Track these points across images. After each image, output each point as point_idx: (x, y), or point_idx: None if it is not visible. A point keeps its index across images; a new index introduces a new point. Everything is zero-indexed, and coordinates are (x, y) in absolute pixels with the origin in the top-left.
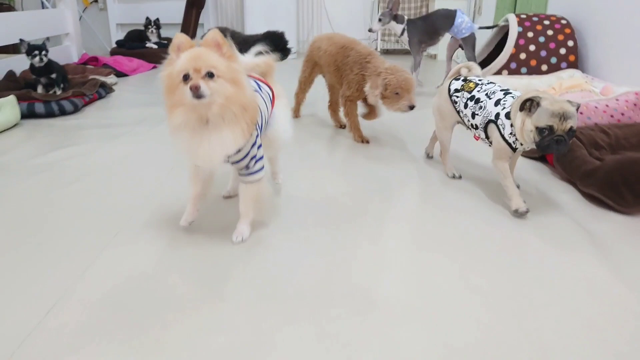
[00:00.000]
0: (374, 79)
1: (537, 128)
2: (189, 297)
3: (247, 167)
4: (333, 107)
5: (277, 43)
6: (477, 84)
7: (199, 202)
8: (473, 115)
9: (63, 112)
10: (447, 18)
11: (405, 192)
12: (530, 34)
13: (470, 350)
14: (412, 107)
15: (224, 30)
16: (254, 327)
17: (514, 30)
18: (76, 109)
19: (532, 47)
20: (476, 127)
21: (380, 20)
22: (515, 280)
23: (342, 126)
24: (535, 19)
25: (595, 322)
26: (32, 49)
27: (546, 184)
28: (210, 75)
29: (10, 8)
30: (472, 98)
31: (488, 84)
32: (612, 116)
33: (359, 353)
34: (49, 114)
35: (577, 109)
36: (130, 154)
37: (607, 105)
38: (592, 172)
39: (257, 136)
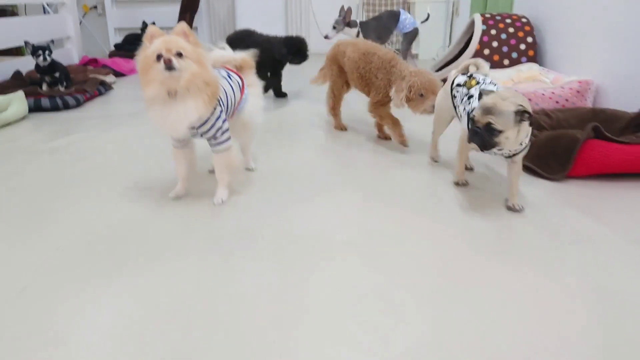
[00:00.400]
0: (399, 82)
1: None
2: (168, 246)
3: (214, 137)
4: (335, 109)
5: (297, 47)
6: (478, 82)
7: (186, 181)
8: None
9: (67, 106)
10: (393, 17)
11: (369, 168)
12: (493, 32)
13: (401, 270)
14: None
15: (248, 32)
16: (226, 262)
17: (478, 29)
18: (78, 104)
19: (494, 44)
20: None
21: (334, 27)
22: (448, 225)
23: (343, 128)
24: (498, 17)
25: (520, 253)
26: (37, 49)
27: (493, 160)
28: (179, 54)
29: (13, 14)
30: (469, 96)
31: (489, 83)
32: (557, 102)
33: (311, 282)
34: (54, 108)
35: (523, 115)
36: (126, 138)
37: (553, 93)
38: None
39: (220, 111)
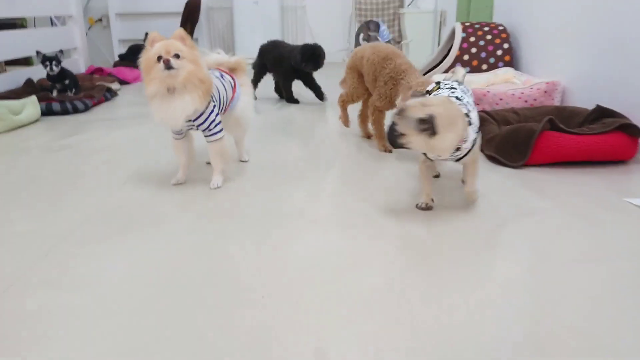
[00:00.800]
0: (405, 92)
1: None
2: (168, 218)
3: (208, 128)
4: (363, 117)
5: (310, 54)
6: (439, 87)
7: (186, 169)
8: None
9: (76, 110)
10: (377, 26)
11: (351, 161)
12: (472, 39)
13: (369, 239)
14: None
15: (275, 43)
16: (218, 231)
17: (458, 36)
18: (87, 108)
19: (473, 50)
20: None
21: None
22: (413, 203)
23: (369, 136)
24: (477, 26)
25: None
26: (45, 60)
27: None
28: (177, 56)
29: (22, 26)
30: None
31: (447, 88)
32: (526, 101)
33: (293, 247)
34: (64, 112)
35: (424, 124)
36: (130, 137)
37: (522, 93)
38: (492, 138)
39: (214, 106)
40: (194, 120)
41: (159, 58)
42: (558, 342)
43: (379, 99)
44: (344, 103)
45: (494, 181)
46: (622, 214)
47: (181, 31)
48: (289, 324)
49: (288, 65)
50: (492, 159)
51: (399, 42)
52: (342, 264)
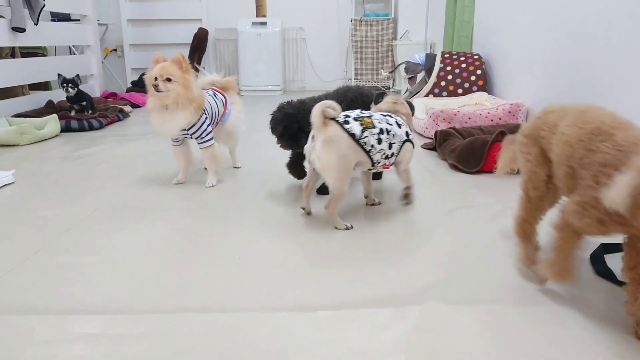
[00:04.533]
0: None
1: None
2: (169, 208)
3: (200, 137)
4: (523, 227)
5: (351, 99)
6: (371, 118)
7: (186, 171)
8: (390, 145)
9: (91, 128)
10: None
11: None
12: (448, 68)
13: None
14: None
15: (347, 87)
16: (209, 217)
17: (437, 66)
18: (101, 126)
19: (450, 77)
20: (392, 156)
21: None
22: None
23: (532, 262)
24: (454, 56)
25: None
26: (64, 82)
27: (432, 162)
28: (168, 79)
29: (43, 55)
30: (381, 131)
31: (370, 116)
32: (492, 120)
33: (263, 229)
34: (81, 129)
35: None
36: (139, 150)
37: (488, 113)
38: (454, 149)
39: (206, 118)
40: (187, 130)
41: (155, 78)
42: (460, 285)
43: (581, 212)
44: (523, 225)
45: (452, 183)
46: None
47: (179, 55)
48: (257, 276)
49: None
50: (453, 166)
51: (392, 72)
52: (302, 238)
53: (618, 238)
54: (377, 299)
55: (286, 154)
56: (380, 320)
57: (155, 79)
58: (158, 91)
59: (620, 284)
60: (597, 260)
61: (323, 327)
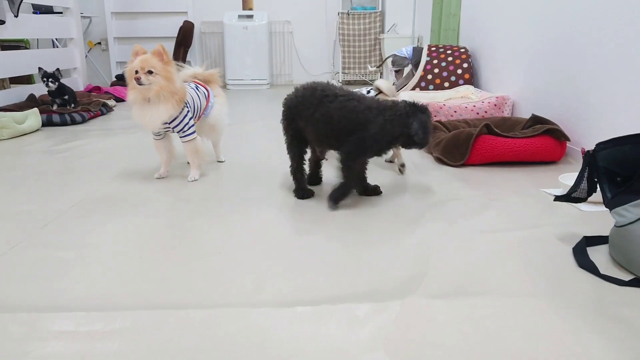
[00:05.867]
0: None
1: None
2: (151, 201)
3: (182, 130)
4: None
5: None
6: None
7: (168, 165)
8: None
9: (74, 122)
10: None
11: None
12: (435, 61)
13: (311, 213)
14: None
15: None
16: (191, 210)
17: (423, 59)
18: (84, 120)
19: (436, 70)
20: None
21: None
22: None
23: None
24: (441, 49)
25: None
26: (44, 76)
27: (417, 155)
28: (150, 72)
29: (26, 48)
30: None
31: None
32: (477, 113)
33: (243, 223)
34: (63, 123)
35: None
36: (122, 144)
37: (474, 106)
38: (439, 142)
39: (187, 111)
40: (169, 123)
41: (136, 71)
42: (442, 278)
43: None
44: None
45: (436, 176)
46: (534, 199)
47: (160, 46)
48: (236, 271)
49: None
50: (438, 159)
51: (379, 67)
52: (284, 231)
53: (600, 230)
54: (357, 293)
55: (267, 148)
56: (359, 314)
57: (136, 72)
58: (140, 84)
59: (601, 276)
60: (580, 252)
61: (303, 322)
